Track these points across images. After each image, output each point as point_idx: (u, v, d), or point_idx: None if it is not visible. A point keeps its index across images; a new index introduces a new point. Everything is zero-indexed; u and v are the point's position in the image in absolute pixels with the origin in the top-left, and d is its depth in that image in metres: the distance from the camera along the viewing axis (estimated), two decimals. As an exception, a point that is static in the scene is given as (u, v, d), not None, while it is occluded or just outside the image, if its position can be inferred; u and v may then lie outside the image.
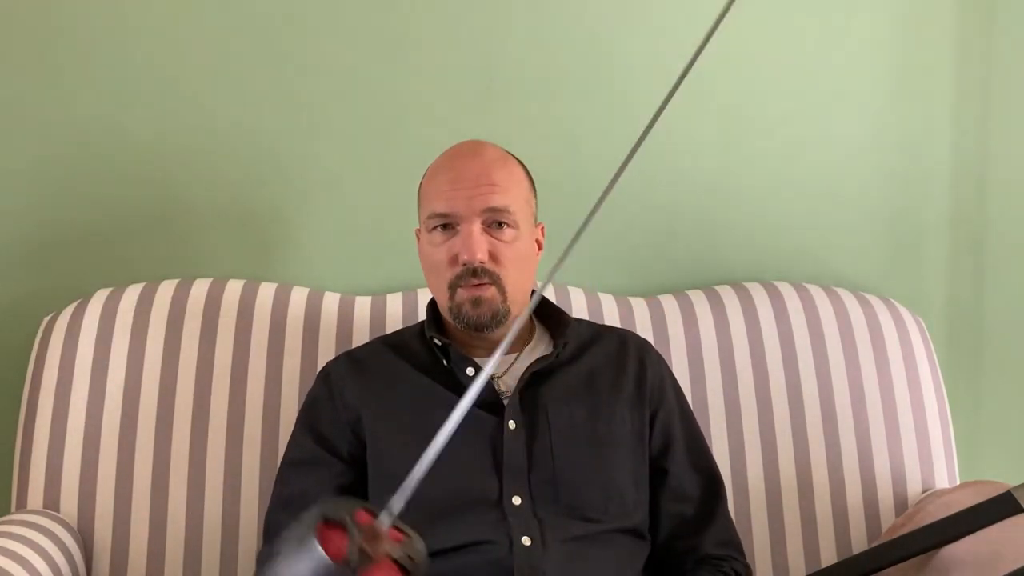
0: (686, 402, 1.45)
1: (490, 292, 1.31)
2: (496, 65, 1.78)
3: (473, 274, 1.30)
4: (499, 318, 1.33)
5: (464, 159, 1.36)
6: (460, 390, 1.32)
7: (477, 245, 1.30)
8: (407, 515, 1.21)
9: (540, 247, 1.43)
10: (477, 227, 1.31)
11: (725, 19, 1.95)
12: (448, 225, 1.33)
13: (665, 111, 1.91)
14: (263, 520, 1.39)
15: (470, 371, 1.33)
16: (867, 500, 1.58)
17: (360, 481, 1.33)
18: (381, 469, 1.31)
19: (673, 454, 1.38)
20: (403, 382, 1.36)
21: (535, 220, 1.41)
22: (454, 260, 1.32)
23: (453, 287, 1.32)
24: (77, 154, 1.73)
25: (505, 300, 1.32)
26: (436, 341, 1.36)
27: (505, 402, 1.32)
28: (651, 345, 1.48)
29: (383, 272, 1.76)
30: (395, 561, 0.86)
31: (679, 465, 1.38)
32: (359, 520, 0.86)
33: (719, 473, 1.41)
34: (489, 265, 1.31)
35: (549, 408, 1.33)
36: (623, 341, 1.44)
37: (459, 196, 1.32)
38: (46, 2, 1.71)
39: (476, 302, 1.31)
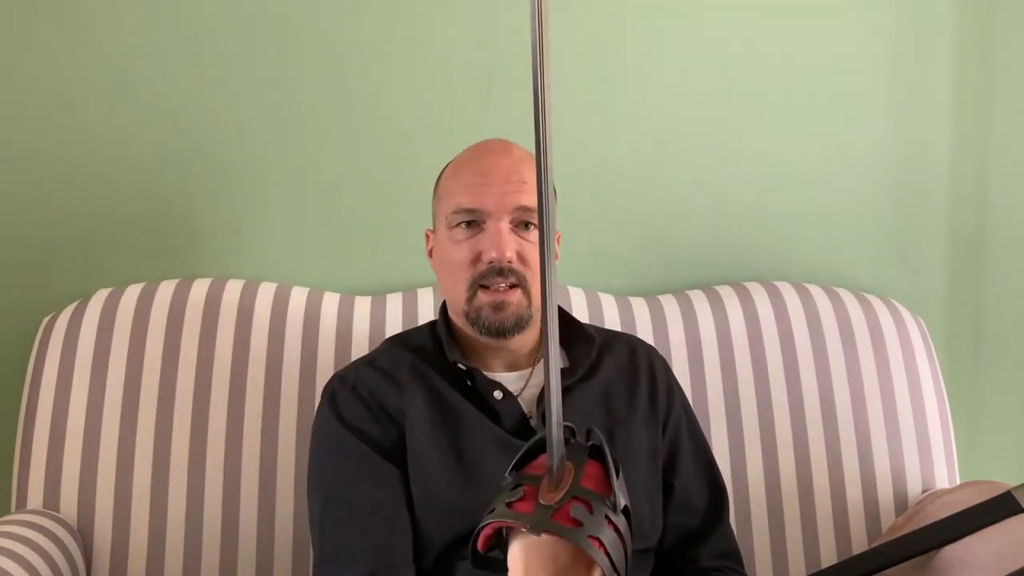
0: (691, 410, 1.42)
1: (515, 296, 1.25)
2: (496, 66, 1.78)
3: (499, 273, 1.24)
4: (522, 324, 1.27)
5: (493, 155, 1.30)
6: (487, 410, 1.28)
7: (506, 243, 1.24)
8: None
9: (556, 256, 1.39)
10: (505, 225, 1.25)
11: (727, 22, 1.96)
12: (473, 222, 1.27)
13: (666, 111, 1.92)
14: (319, 548, 1.24)
15: (498, 394, 1.28)
16: (867, 500, 1.58)
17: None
18: (419, 490, 1.24)
19: (680, 466, 1.35)
20: (435, 395, 1.29)
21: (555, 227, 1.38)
22: (477, 258, 1.25)
23: (473, 287, 1.26)
24: (78, 154, 1.73)
25: (530, 305, 1.27)
26: (460, 366, 1.29)
27: (532, 423, 1.27)
28: (657, 352, 1.44)
29: (383, 272, 1.76)
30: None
31: (685, 477, 1.35)
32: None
33: (724, 484, 1.39)
34: (516, 266, 1.25)
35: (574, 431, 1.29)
36: (632, 350, 1.40)
37: (489, 192, 1.25)
38: (45, 2, 1.71)
39: (498, 307, 1.25)
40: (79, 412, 1.54)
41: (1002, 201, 1.87)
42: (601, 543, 0.86)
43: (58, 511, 1.50)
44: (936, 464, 1.61)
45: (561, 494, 0.89)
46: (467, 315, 1.28)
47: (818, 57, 1.83)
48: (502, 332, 1.27)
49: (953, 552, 1.24)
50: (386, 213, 1.77)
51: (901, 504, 1.59)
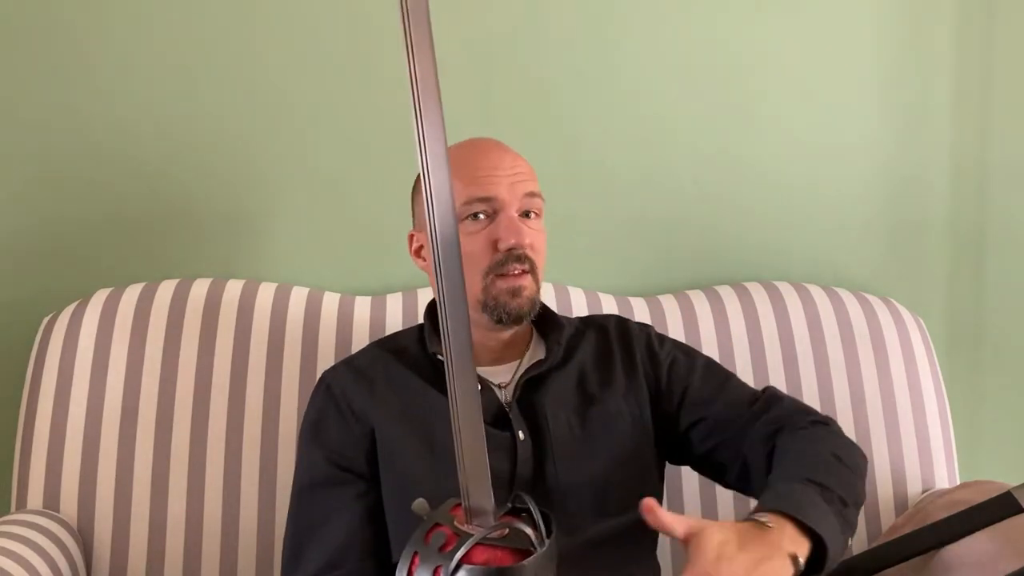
0: (689, 347, 1.42)
1: (528, 281, 1.28)
2: (495, 67, 1.78)
3: (516, 259, 1.26)
4: (534, 308, 1.30)
5: (492, 149, 1.33)
6: None
7: (523, 230, 1.27)
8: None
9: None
10: (516, 213, 1.28)
11: (725, 22, 1.96)
12: (482, 213, 1.29)
13: (665, 112, 1.92)
14: (282, 548, 1.31)
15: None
16: (867, 500, 1.58)
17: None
18: (393, 485, 1.27)
19: (690, 396, 1.34)
20: (408, 393, 1.32)
21: None
22: (493, 247, 1.27)
23: (489, 275, 1.27)
24: (77, 154, 1.73)
25: (538, 290, 1.30)
26: (440, 358, 1.31)
27: (510, 414, 1.29)
28: (629, 320, 1.44)
29: (383, 272, 1.76)
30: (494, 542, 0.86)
31: (707, 406, 1.32)
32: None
33: (750, 389, 1.35)
34: (530, 252, 1.28)
35: (549, 416, 1.30)
36: (603, 330, 1.41)
37: (501, 182, 1.27)
38: (45, 1, 1.71)
39: (515, 292, 1.27)
40: (79, 412, 1.54)
41: (1002, 201, 1.87)
42: (415, 562, 0.86)
43: (58, 511, 1.50)
44: (936, 464, 1.61)
45: (458, 522, 0.88)
46: (483, 304, 1.28)
47: (817, 57, 1.83)
48: (519, 317, 1.29)
49: (953, 552, 1.24)
50: (386, 213, 1.76)
51: (901, 504, 1.59)
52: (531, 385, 1.32)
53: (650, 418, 1.34)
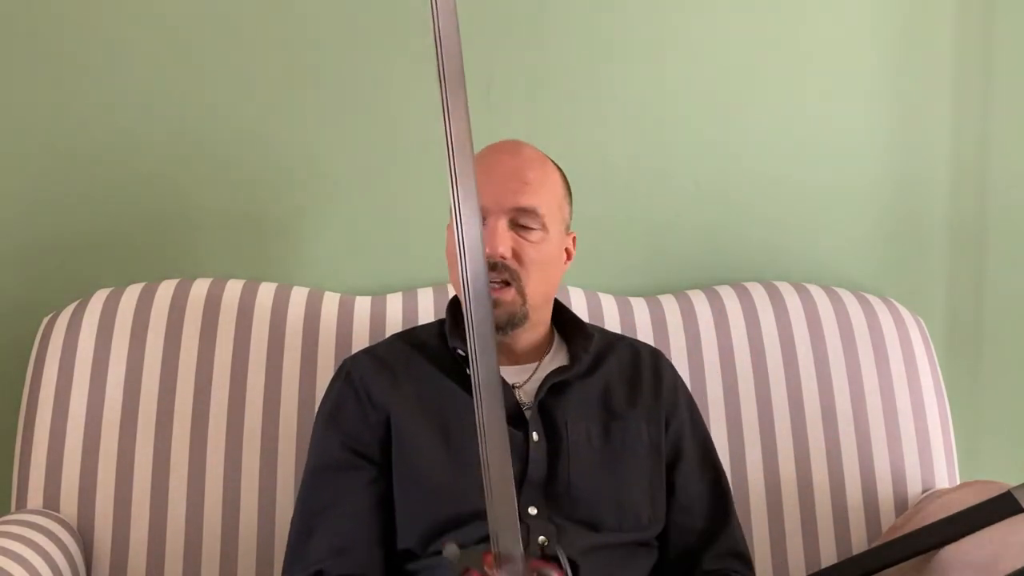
0: (698, 413, 1.43)
1: (509, 295, 1.28)
2: (495, 68, 1.78)
3: (492, 268, 1.25)
4: (515, 321, 1.29)
5: (500, 155, 1.33)
6: None
7: (500, 240, 1.26)
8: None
9: (569, 256, 1.39)
10: (503, 223, 1.28)
11: (727, 24, 1.95)
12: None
13: (665, 111, 1.92)
14: (289, 531, 1.31)
15: None
16: (867, 500, 1.58)
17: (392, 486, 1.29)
18: (406, 473, 1.28)
19: (682, 466, 1.36)
20: (427, 385, 1.32)
21: (567, 228, 1.38)
22: None
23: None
24: (77, 154, 1.73)
25: (524, 303, 1.29)
26: (460, 352, 1.32)
27: (527, 414, 1.30)
28: (663, 354, 1.46)
29: (383, 272, 1.76)
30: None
31: (687, 478, 1.36)
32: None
33: (728, 486, 1.40)
34: (511, 263, 1.28)
35: (568, 422, 1.30)
36: (635, 351, 1.42)
37: (489, 191, 1.27)
38: (49, 2, 1.71)
39: (493, 304, 1.25)
40: (79, 412, 1.53)
41: (1002, 201, 1.87)
42: None
43: (58, 511, 1.50)
44: (936, 464, 1.61)
45: (487, 567, 0.92)
46: (465, 308, 1.29)
47: (818, 57, 1.82)
48: (496, 328, 1.27)
49: (953, 552, 1.24)
50: (386, 214, 1.77)
51: (901, 504, 1.59)
52: (555, 390, 1.32)
53: (664, 448, 1.36)
